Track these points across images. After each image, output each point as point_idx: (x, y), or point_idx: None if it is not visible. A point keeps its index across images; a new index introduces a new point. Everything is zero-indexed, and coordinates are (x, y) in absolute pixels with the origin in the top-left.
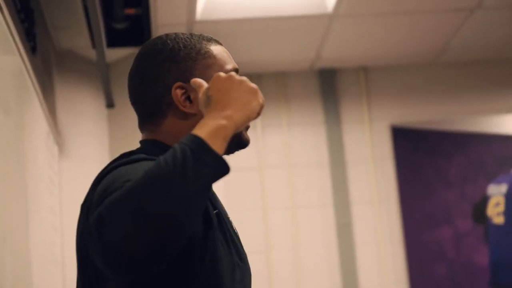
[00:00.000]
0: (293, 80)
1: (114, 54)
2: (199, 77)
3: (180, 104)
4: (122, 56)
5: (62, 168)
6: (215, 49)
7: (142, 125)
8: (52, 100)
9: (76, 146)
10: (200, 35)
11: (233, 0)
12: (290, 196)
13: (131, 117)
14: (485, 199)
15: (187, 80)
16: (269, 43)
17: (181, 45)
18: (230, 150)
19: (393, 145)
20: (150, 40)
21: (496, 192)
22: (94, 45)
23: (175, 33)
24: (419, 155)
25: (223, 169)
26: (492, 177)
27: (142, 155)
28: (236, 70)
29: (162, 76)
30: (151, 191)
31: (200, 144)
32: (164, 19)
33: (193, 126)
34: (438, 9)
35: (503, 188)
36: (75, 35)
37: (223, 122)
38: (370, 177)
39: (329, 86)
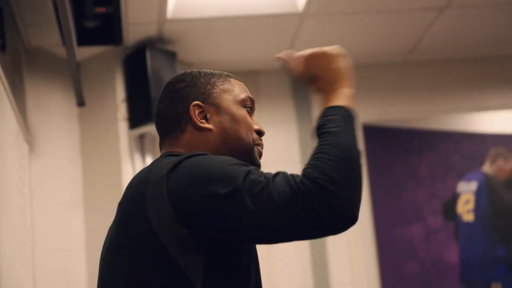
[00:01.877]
0: (265, 79)
1: (85, 52)
2: (215, 99)
3: (196, 120)
4: (93, 54)
5: (33, 166)
6: (233, 80)
7: (163, 142)
8: (22, 98)
9: (47, 145)
10: (221, 72)
11: None
12: None
13: (102, 115)
14: (455, 197)
15: (204, 100)
16: (240, 41)
17: (202, 74)
18: None
19: (364, 143)
20: (178, 73)
21: (466, 189)
22: (64, 43)
23: (203, 70)
24: (390, 153)
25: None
26: (462, 175)
27: (198, 152)
28: (252, 101)
29: (183, 98)
30: (357, 162)
31: (351, 113)
32: (135, 18)
33: (207, 139)
34: (409, 8)
35: (473, 185)
36: (46, 33)
37: (346, 90)
38: None
39: (301, 85)
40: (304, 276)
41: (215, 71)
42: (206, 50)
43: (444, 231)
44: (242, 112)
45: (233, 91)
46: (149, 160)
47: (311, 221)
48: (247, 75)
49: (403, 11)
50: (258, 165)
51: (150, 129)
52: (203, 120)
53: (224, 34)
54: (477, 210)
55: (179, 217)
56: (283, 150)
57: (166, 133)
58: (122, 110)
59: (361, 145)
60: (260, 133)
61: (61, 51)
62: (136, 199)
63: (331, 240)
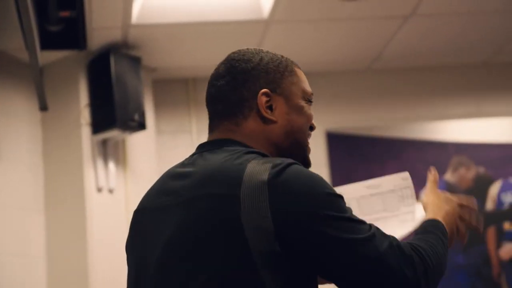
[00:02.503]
0: None
1: (48, 56)
2: (284, 91)
3: (263, 109)
4: (57, 58)
5: None
6: (299, 71)
7: (218, 123)
8: None
9: (8, 149)
10: (288, 58)
11: (169, 4)
12: None
13: (65, 120)
14: None
15: (273, 90)
16: (205, 47)
17: (270, 58)
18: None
19: (328, 151)
20: (239, 50)
21: None
22: (27, 47)
23: (262, 50)
24: (353, 160)
25: None
26: (423, 183)
27: (290, 160)
28: (311, 94)
29: (250, 82)
30: (443, 263)
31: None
32: (99, 22)
33: (271, 130)
34: (373, 16)
35: None
36: (8, 37)
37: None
38: None
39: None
40: None
41: (280, 56)
42: (171, 55)
43: (405, 239)
44: (306, 106)
45: (300, 84)
46: (111, 166)
47: None
48: None
49: (368, 19)
50: (310, 164)
51: (113, 134)
52: (268, 111)
53: (189, 39)
54: None
55: (278, 235)
56: None
57: (224, 115)
58: (85, 115)
59: (324, 152)
60: (312, 127)
61: (24, 55)
62: (227, 199)
63: None
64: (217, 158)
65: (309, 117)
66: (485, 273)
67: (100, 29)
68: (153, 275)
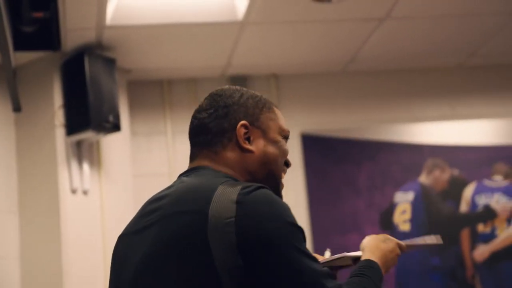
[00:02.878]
0: (204, 87)
1: (22, 57)
2: (262, 124)
3: (241, 140)
4: (30, 59)
5: None
6: (277, 110)
7: (198, 153)
8: None
9: None
10: (266, 97)
11: (143, 6)
12: None
13: (39, 121)
14: (392, 207)
15: (251, 123)
16: (180, 49)
17: (250, 95)
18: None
19: (303, 152)
20: (223, 87)
21: (403, 200)
22: (0, 48)
23: (245, 89)
24: (329, 162)
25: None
26: (399, 185)
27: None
28: (288, 132)
29: (230, 114)
30: None
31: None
32: (74, 23)
33: (247, 160)
34: (348, 18)
35: (410, 196)
36: None
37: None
38: None
39: None
40: None
41: (260, 95)
42: (146, 57)
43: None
44: (282, 141)
45: (277, 121)
46: (86, 167)
47: None
48: (187, 83)
49: (343, 21)
50: (281, 190)
51: (88, 136)
52: (246, 141)
53: (164, 41)
54: (413, 220)
55: (241, 249)
56: None
57: (205, 145)
58: (59, 116)
59: (299, 154)
60: (287, 164)
61: None
62: (195, 215)
63: None
64: (193, 181)
65: (284, 152)
66: (460, 275)
67: (74, 30)
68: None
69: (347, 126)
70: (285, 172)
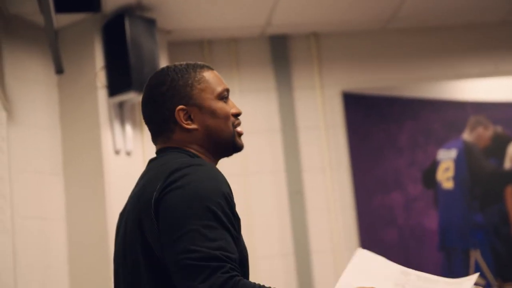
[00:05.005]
0: (244, 47)
1: (63, 19)
2: (196, 100)
3: (183, 123)
4: (71, 22)
5: (11, 134)
6: (207, 75)
7: (156, 138)
8: (0, 66)
9: (26, 113)
10: (195, 63)
11: None
12: (242, 162)
13: (81, 83)
14: (434, 165)
15: (186, 104)
16: (219, 9)
17: (179, 75)
18: (228, 153)
19: (344, 111)
20: (155, 73)
21: (446, 157)
22: (42, 11)
23: (174, 65)
24: (370, 121)
25: None
26: (441, 143)
27: (198, 160)
28: (227, 90)
29: (167, 102)
30: None
31: None
32: None
33: (195, 137)
34: None
35: (453, 153)
36: (23, 1)
37: None
38: (321, 143)
39: (280, 53)
40: (284, 244)
41: (189, 65)
42: (185, 17)
43: (424, 198)
44: (219, 105)
45: (210, 88)
46: (128, 128)
47: None
48: (227, 43)
49: None
50: (241, 147)
51: (129, 97)
52: (188, 121)
53: (203, 1)
54: (456, 177)
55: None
56: (263, 118)
57: (158, 133)
58: (101, 78)
59: (340, 113)
60: (237, 115)
61: (39, 18)
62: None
63: (311, 208)
64: (156, 164)
65: (226, 114)
66: (503, 232)
67: None
68: (117, 269)
69: (388, 84)
70: (239, 123)
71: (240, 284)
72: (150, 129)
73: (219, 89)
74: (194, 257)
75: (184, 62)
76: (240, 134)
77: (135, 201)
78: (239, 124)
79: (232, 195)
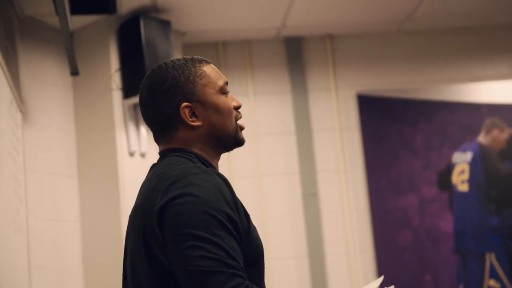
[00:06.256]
0: (259, 49)
1: (79, 21)
2: (199, 96)
3: (188, 120)
4: (86, 23)
5: (26, 135)
6: (207, 69)
7: (158, 139)
8: (15, 68)
9: (40, 114)
10: (192, 58)
11: None
12: (256, 164)
13: (96, 85)
14: (450, 167)
15: (191, 100)
16: (234, 10)
17: (180, 72)
18: (230, 148)
19: (359, 113)
20: (152, 71)
21: (461, 160)
22: (57, 12)
23: (172, 61)
24: (385, 123)
25: None
26: (457, 145)
27: (196, 169)
28: (226, 83)
29: (170, 100)
30: None
31: None
32: None
33: (199, 134)
34: None
35: (468, 156)
36: (38, 2)
37: None
38: (336, 145)
39: (295, 54)
40: (298, 246)
41: (188, 60)
42: (200, 19)
43: (439, 201)
44: (222, 99)
45: (211, 82)
46: (143, 130)
47: None
48: (242, 45)
49: None
50: (242, 142)
51: None
52: (193, 118)
53: (218, 2)
54: (471, 180)
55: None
56: (278, 120)
57: (160, 133)
58: (116, 80)
59: (355, 115)
60: (238, 107)
61: (54, 20)
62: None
63: (325, 210)
64: (156, 172)
65: (228, 108)
66: None
67: None
68: (127, 272)
69: (403, 87)
70: (240, 116)
71: None
72: (152, 129)
73: (220, 83)
74: (206, 265)
75: (182, 57)
76: (242, 128)
77: (137, 210)
78: (240, 117)
79: (234, 195)
